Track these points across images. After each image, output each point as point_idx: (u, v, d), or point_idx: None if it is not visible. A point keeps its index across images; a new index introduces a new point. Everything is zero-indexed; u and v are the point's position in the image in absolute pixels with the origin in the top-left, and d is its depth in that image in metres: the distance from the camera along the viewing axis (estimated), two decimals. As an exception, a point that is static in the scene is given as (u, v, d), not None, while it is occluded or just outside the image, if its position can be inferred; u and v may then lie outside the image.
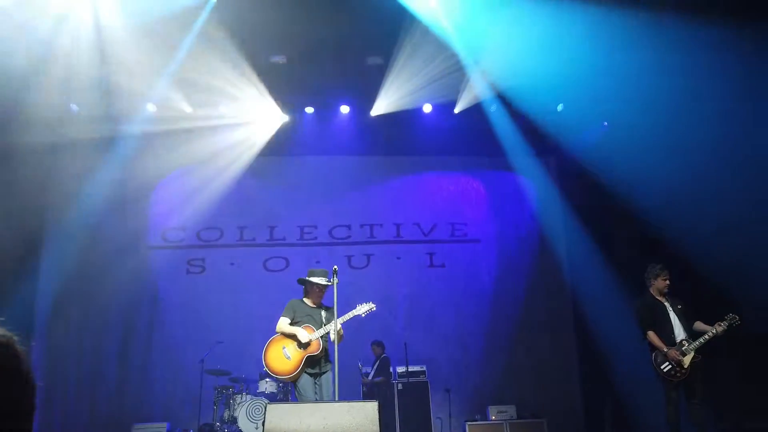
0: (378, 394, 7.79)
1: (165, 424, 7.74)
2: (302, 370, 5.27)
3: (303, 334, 5.30)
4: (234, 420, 7.32)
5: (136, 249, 9.07)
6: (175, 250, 9.25)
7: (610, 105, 8.50)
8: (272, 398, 7.42)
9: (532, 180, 9.73)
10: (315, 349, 5.30)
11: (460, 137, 9.26)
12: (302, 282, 5.65)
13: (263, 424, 3.88)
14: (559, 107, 9.14)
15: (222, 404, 7.56)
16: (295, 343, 5.34)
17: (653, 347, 5.73)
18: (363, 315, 5.40)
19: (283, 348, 5.35)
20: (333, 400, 4.60)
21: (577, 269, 9.04)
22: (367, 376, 8.14)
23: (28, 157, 8.47)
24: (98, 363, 8.50)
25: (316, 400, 5.20)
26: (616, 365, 8.00)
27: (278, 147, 9.11)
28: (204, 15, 7.18)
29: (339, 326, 5.05)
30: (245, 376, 7.73)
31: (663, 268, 5.93)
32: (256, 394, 7.50)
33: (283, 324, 5.43)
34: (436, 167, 9.67)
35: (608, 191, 8.47)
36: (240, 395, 7.51)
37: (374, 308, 5.44)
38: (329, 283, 5.35)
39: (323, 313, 5.49)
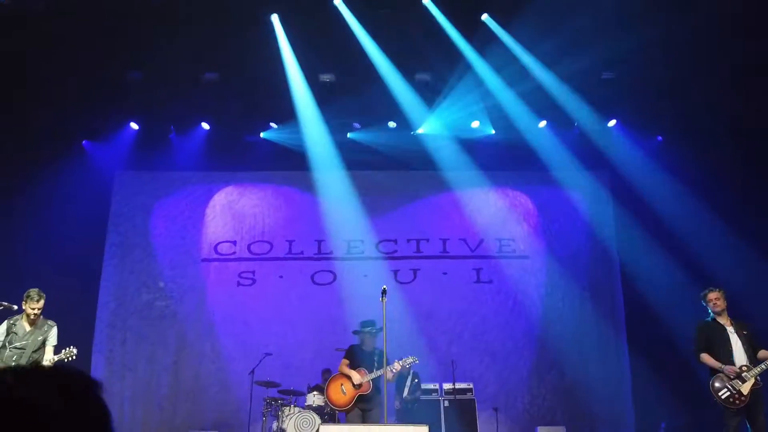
0: (414, 410, 7.67)
1: (216, 433, 7.94)
2: (354, 405, 6.42)
3: (356, 377, 6.46)
4: (283, 431, 7.44)
5: (190, 262, 9.38)
6: (226, 262, 9.50)
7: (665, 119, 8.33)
8: (320, 411, 7.50)
9: (584, 195, 9.55)
10: (365, 389, 6.44)
11: (508, 152, 9.20)
12: (356, 333, 6.87)
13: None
14: (611, 123, 9.01)
15: (271, 415, 7.68)
16: (351, 382, 6.50)
17: (710, 371, 5.52)
18: (408, 366, 6.60)
19: (341, 385, 6.57)
20: (382, 424, 4.65)
21: (632, 286, 8.77)
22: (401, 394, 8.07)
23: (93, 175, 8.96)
24: (153, 373, 8.81)
25: None
26: (673, 386, 7.71)
27: (326, 162, 9.28)
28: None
29: (388, 372, 6.15)
30: (293, 388, 7.84)
31: (710, 288, 5.77)
32: (304, 407, 7.60)
33: (343, 366, 6.66)
34: (483, 182, 9.58)
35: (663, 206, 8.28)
36: (288, 407, 7.60)
37: (417, 361, 6.62)
38: (377, 332, 6.54)
39: (375, 357, 6.53)
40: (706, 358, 5.55)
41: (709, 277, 6.36)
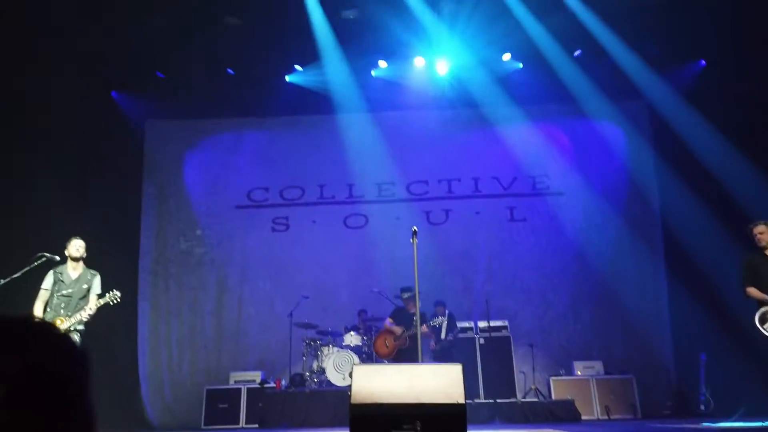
0: (450, 350, 7.75)
1: (260, 373, 8.25)
2: (396, 356, 7.42)
3: (396, 332, 7.55)
4: (322, 370, 7.68)
5: (224, 209, 9.50)
6: (260, 209, 9.59)
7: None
8: (357, 351, 7.70)
9: (621, 128, 9.18)
10: (403, 343, 7.42)
11: (541, 85, 8.84)
12: (398, 297, 7.74)
13: (350, 381, 4.07)
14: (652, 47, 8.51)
15: (311, 356, 7.93)
16: (392, 336, 7.60)
17: (757, 304, 5.39)
18: (437, 326, 7.60)
19: (385, 340, 7.67)
20: (417, 363, 4.71)
21: (671, 221, 8.52)
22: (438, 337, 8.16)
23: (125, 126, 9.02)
24: (196, 317, 9.12)
25: None
26: (712, 320, 7.58)
27: (354, 104, 9.11)
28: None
29: (424, 328, 7.16)
30: (331, 329, 8.04)
31: (756, 222, 5.61)
32: (342, 347, 7.80)
33: (387, 322, 7.78)
34: (515, 118, 9.26)
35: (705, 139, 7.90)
36: (327, 347, 7.82)
37: (445, 321, 7.63)
38: (413, 294, 7.06)
39: (415, 318, 7.00)
40: (752, 291, 5.45)
41: (754, 213, 6.09)
